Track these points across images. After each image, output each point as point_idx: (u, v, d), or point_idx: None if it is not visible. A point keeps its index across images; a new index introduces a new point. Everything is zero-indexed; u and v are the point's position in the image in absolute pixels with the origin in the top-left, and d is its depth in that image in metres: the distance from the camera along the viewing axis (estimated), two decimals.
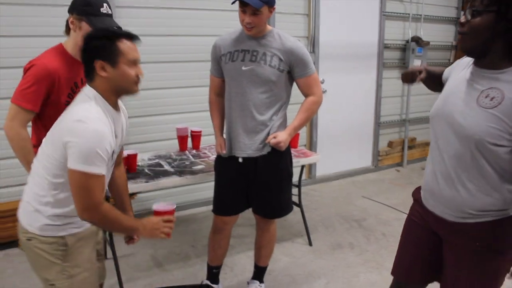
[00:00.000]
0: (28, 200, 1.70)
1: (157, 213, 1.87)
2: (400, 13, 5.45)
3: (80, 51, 1.68)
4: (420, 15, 5.57)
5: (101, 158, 1.54)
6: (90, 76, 1.65)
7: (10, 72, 3.22)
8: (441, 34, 5.92)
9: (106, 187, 1.78)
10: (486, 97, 1.53)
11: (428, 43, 5.51)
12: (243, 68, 2.41)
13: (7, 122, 2.05)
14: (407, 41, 5.56)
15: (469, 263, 1.69)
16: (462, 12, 1.57)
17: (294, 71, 2.45)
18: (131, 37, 1.66)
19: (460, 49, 1.62)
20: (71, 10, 2.10)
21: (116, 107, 1.71)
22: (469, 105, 1.57)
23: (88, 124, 1.53)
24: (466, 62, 1.71)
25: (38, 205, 1.66)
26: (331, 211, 4.38)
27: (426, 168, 1.82)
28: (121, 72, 1.61)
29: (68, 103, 1.82)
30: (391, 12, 5.36)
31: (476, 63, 1.61)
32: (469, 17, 1.52)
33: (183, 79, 4.15)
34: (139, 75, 1.67)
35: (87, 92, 1.65)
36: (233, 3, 2.32)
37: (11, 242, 3.48)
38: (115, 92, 1.67)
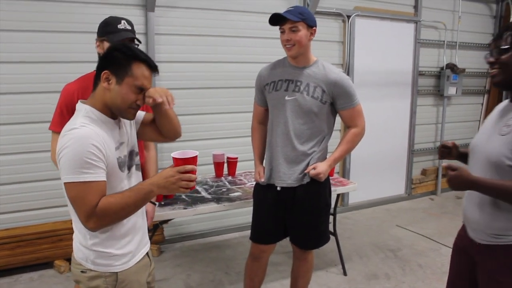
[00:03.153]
0: (76, 234, 1.66)
1: (175, 161, 1.57)
2: (435, 40, 5.43)
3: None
4: (455, 42, 5.53)
5: (90, 165, 1.45)
6: (95, 84, 1.61)
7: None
8: (477, 61, 5.82)
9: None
10: (504, 126, 1.65)
11: (463, 70, 5.45)
12: (286, 98, 2.42)
13: None
14: (442, 68, 5.52)
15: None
16: (489, 53, 1.71)
17: (337, 103, 2.45)
18: (151, 66, 1.60)
19: (493, 85, 1.75)
20: (97, 35, 2.24)
21: (113, 115, 1.63)
22: (492, 135, 1.69)
23: (70, 134, 1.48)
24: (503, 105, 1.81)
25: (84, 242, 1.62)
26: (365, 240, 4.31)
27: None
28: (122, 91, 1.55)
29: None
30: (426, 40, 5.34)
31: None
32: (496, 55, 1.65)
33: (220, 105, 4.20)
34: (137, 102, 1.59)
35: (78, 107, 1.61)
36: (270, 20, 2.34)
37: (46, 264, 3.53)
38: (109, 107, 1.59)
